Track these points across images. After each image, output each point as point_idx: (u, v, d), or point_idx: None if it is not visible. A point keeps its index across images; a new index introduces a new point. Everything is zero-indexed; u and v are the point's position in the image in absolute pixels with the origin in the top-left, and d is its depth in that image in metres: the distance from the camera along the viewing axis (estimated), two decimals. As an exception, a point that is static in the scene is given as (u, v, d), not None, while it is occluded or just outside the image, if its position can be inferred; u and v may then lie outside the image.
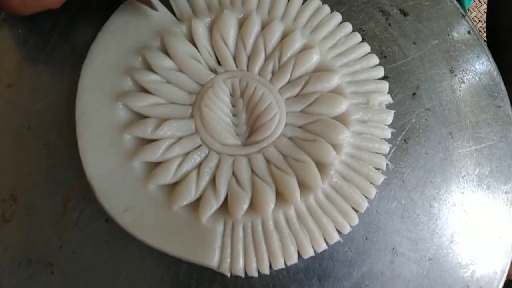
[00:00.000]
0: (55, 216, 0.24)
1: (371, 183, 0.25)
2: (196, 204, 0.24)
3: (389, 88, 0.27)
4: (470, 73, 0.29)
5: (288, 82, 0.26)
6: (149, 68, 0.25)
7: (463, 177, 0.27)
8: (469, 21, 0.30)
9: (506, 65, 0.32)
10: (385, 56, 0.28)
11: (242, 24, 0.26)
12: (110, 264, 0.23)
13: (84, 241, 0.23)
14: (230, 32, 0.26)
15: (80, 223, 0.24)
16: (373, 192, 0.25)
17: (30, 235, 0.23)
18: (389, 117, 0.26)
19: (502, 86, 0.29)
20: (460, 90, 0.28)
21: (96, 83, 0.24)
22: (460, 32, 0.29)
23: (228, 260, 0.23)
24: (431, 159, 0.27)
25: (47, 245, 0.23)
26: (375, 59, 0.27)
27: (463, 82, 0.29)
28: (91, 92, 0.24)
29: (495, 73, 0.29)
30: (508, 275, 0.27)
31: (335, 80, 0.26)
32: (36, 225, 0.23)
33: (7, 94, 0.25)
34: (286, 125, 0.25)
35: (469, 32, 0.29)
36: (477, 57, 0.29)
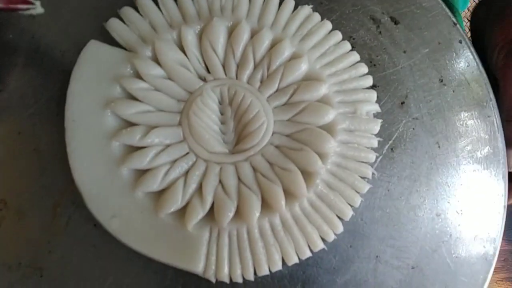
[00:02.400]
0: (45, 221, 0.25)
1: (356, 191, 0.27)
2: (182, 211, 0.25)
3: (378, 96, 0.28)
4: (459, 83, 0.30)
5: (276, 90, 0.27)
6: (138, 76, 0.26)
7: (449, 187, 0.28)
8: (461, 29, 0.31)
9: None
10: (374, 65, 0.29)
11: (231, 32, 0.27)
12: (98, 268, 0.25)
13: (72, 245, 0.25)
14: (220, 40, 0.27)
15: (68, 228, 0.25)
16: (358, 200, 0.27)
17: (20, 239, 0.24)
18: (376, 126, 0.28)
19: (492, 95, 0.30)
20: (449, 100, 0.29)
21: (85, 90, 0.25)
22: (451, 41, 0.30)
23: (213, 266, 0.25)
24: (417, 168, 0.28)
25: (36, 250, 0.24)
26: (363, 68, 0.28)
27: (453, 91, 0.30)
28: (80, 99, 0.25)
29: (485, 82, 0.30)
30: None
31: (323, 90, 0.27)
32: (26, 230, 0.25)
33: (-3, 99, 0.26)
34: (273, 133, 0.26)
35: (460, 41, 0.30)
36: (467, 66, 0.30)
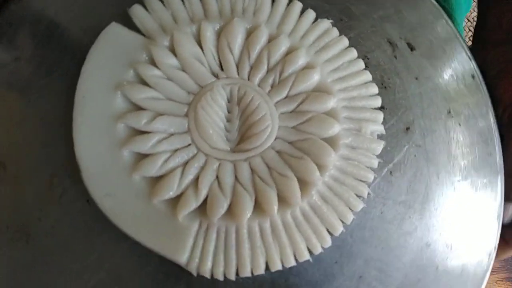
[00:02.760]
0: (40, 189, 0.25)
1: (350, 209, 0.27)
2: (176, 201, 0.25)
3: (384, 118, 0.29)
4: (467, 117, 0.30)
5: (286, 97, 0.28)
6: (153, 63, 0.26)
7: (442, 219, 0.28)
8: (475, 65, 0.31)
9: (490, 60, 0.34)
10: (385, 87, 0.30)
11: (249, 34, 0.28)
12: (84, 243, 0.25)
13: (63, 217, 0.25)
14: (237, 40, 0.27)
15: (62, 200, 0.25)
16: (350, 217, 0.27)
17: (12, 203, 0.25)
18: (379, 147, 0.28)
19: (496, 133, 0.30)
20: (454, 132, 0.30)
21: (99, 69, 0.26)
22: (465, 75, 0.31)
23: (197, 260, 0.25)
24: (413, 195, 0.28)
25: (27, 216, 0.25)
26: (374, 88, 0.29)
27: (459, 124, 0.30)
28: (93, 77, 0.26)
29: (492, 121, 0.30)
30: None
31: (331, 103, 0.27)
32: (20, 195, 0.25)
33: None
34: (276, 138, 0.27)
35: (472, 76, 0.31)
36: (477, 103, 0.30)
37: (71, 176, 0.25)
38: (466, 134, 0.30)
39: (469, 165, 0.29)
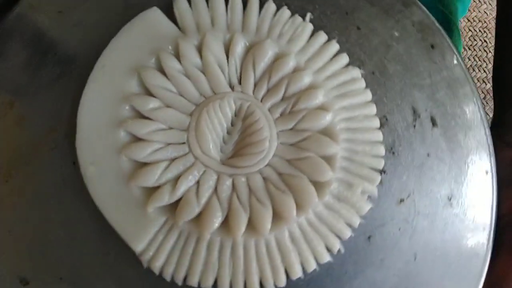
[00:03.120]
0: (35, 137, 0.27)
1: (326, 247, 0.27)
2: (151, 192, 0.26)
3: (381, 181, 0.28)
4: (465, 208, 0.29)
5: (291, 129, 0.28)
6: (177, 57, 0.27)
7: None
8: (493, 162, 0.30)
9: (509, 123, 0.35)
10: (393, 153, 0.29)
11: (277, 59, 0.28)
12: (55, 203, 0.26)
13: (47, 169, 0.26)
14: (264, 60, 0.28)
15: (52, 153, 0.27)
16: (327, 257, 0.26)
17: (6, 142, 0.26)
18: (366, 208, 0.27)
19: (493, 224, 0.29)
20: (448, 221, 0.29)
21: (125, 46, 0.27)
22: (478, 169, 0.30)
23: (151, 253, 0.25)
24: (384, 270, 0.27)
25: (14, 155, 0.26)
26: (381, 150, 0.28)
27: (456, 215, 0.29)
28: (117, 53, 0.27)
29: (492, 211, 0.29)
30: None
31: (333, 149, 0.27)
32: (16, 136, 0.27)
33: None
34: (267, 165, 0.27)
35: (486, 172, 0.30)
36: (479, 195, 0.29)
37: (67, 136, 0.27)
38: (459, 225, 0.29)
39: (452, 260, 0.28)
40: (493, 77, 0.41)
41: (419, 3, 0.32)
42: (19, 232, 0.26)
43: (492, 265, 0.29)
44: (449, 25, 0.45)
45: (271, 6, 0.29)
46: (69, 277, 0.25)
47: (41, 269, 0.25)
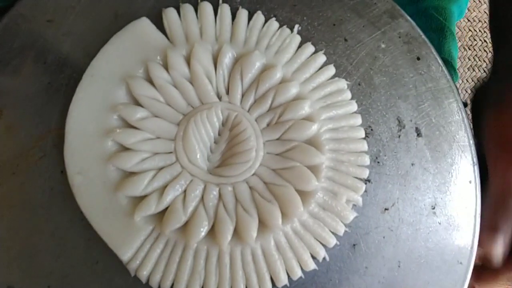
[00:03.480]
0: (24, 146, 0.27)
1: (311, 254, 0.27)
2: (138, 201, 0.26)
3: (366, 191, 0.29)
4: (448, 220, 0.29)
5: (277, 139, 0.28)
6: (166, 67, 0.28)
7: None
8: (477, 172, 0.30)
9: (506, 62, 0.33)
10: (378, 162, 0.30)
11: (264, 70, 0.29)
12: (43, 209, 0.26)
13: (34, 177, 0.27)
14: (252, 71, 0.28)
15: (39, 162, 0.27)
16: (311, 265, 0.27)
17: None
18: (350, 216, 0.28)
19: (477, 234, 0.30)
20: (431, 229, 0.29)
21: (116, 55, 0.28)
22: (462, 178, 0.30)
23: (138, 262, 0.26)
24: (368, 276, 0.28)
25: (1, 164, 0.27)
26: (366, 158, 0.29)
27: (439, 223, 0.29)
28: (108, 59, 0.28)
29: (474, 228, 0.30)
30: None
31: (318, 159, 0.27)
32: (5, 144, 0.27)
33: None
34: (253, 174, 0.27)
35: (470, 182, 0.30)
36: (465, 207, 0.30)
37: (56, 146, 0.27)
38: (443, 235, 0.29)
39: (434, 272, 0.29)
40: (490, 23, 0.40)
41: (406, 15, 0.32)
42: (8, 241, 0.26)
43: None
44: (443, 31, 0.46)
45: (259, 18, 0.30)
46: (57, 285, 0.26)
47: (30, 278, 0.26)
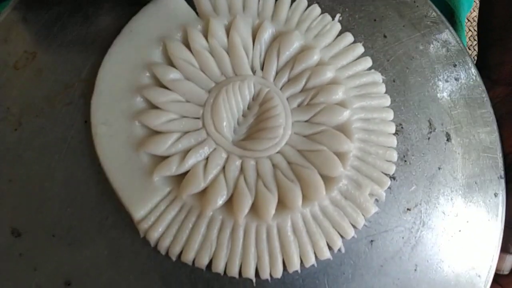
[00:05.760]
0: (51, 91, 0.27)
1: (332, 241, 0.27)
2: (160, 160, 0.26)
3: (390, 188, 0.28)
4: (472, 230, 0.29)
5: (307, 121, 0.28)
6: (205, 35, 0.28)
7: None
8: (502, 184, 0.30)
9: (494, 63, 0.37)
10: (405, 161, 0.29)
11: (302, 50, 0.29)
12: (61, 156, 0.26)
13: (59, 123, 0.27)
14: (289, 50, 0.29)
15: (64, 109, 0.27)
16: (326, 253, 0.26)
17: (23, 91, 0.27)
18: (372, 210, 0.27)
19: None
20: (452, 240, 0.29)
21: (147, 23, 0.28)
22: (488, 190, 0.30)
23: (150, 222, 0.25)
24: (383, 275, 0.27)
25: (27, 105, 0.27)
26: (394, 154, 0.29)
27: (462, 233, 0.29)
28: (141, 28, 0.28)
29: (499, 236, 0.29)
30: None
31: (346, 146, 0.27)
32: (34, 87, 0.27)
33: None
34: (278, 152, 0.27)
35: (495, 195, 0.30)
36: (489, 219, 0.29)
37: (83, 93, 0.27)
38: (463, 245, 0.29)
39: (457, 273, 0.28)
40: (478, 22, 0.43)
41: (447, 23, 0.33)
42: (19, 183, 0.26)
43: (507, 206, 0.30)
44: (452, 17, 0.47)
45: (303, 1, 0.30)
46: (62, 235, 0.25)
47: (35, 224, 0.25)
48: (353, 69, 0.29)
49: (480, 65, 0.39)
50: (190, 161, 0.26)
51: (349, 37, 0.30)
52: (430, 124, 0.30)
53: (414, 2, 0.33)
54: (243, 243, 0.25)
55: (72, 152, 0.26)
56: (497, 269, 0.30)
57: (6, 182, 0.26)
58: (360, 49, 0.30)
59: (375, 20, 0.32)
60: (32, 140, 0.26)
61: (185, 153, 0.26)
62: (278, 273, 0.26)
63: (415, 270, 0.28)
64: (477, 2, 0.44)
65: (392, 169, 0.29)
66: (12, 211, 0.25)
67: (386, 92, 0.30)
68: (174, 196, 0.26)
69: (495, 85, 0.35)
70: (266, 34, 0.29)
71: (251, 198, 0.26)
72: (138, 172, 0.26)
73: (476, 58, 0.42)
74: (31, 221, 0.25)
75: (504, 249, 0.31)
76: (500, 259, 0.30)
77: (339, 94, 0.28)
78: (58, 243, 0.25)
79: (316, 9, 0.30)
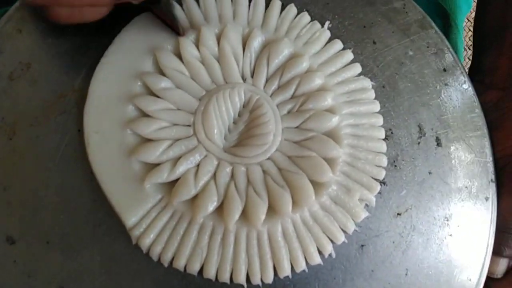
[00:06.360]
0: (45, 101, 0.28)
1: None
2: (151, 168, 0.26)
3: (380, 192, 0.29)
4: (462, 234, 0.29)
5: (296, 127, 0.28)
6: (197, 44, 0.29)
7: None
8: (493, 188, 0.30)
9: (488, 67, 0.37)
10: (395, 166, 0.30)
11: (291, 58, 0.29)
12: (54, 164, 0.27)
13: (52, 132, 0.27)
14: (279, 57, 0.29)
15: (58, 118, 0.28)
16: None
17: (17, 98, 0.28)
18: (361, 215, 0.28)
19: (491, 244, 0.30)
20: (443, 244, 0.29)
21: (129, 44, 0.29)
22: (479, 194, 0.30)
23: (142, 229, 0.26)
24: (372, 282, 0.27)
25: (21, 115, 0.27)
26: (383, 159, 0.29)
27: (452, 236, 0.29)
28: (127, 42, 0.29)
29: (488, 246, 0.29)
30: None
31: (336, 151, 0.28)
32: (29, 96, 0.28)
33: None
34: (268, 158, 0.28)
35: (486, 199, 0.30)
36: (480, 224, 0.30)
37: (77, 103, 0.28)
38: (454, 249, 0.29)
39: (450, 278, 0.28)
40: (474, 26, 0.44)
41: (436, 27, 0.33)
42: (14, 191, 0.26)
43: (498, 210, 0.31)
44: (447, 20, 0.47)
45: (292, 9, 0.31)
46: (56, 242, 0.26)
47: (30, 231, 0.26)
48: (342, 76, 0.30)
49: (474, 69, 0.39)
50: (181, 168, 0.26)
51: (338, 44, 0.31)
52: (420, 129, 0.31)
53: (404, 8, 0.33)
54: (233, 249, 0.26)
55: (65, 160, 0.27)
56: (490, 273, 0.31)
57: (0, 190, 0.26)
58: (349, 55, 0.31)
59: (364, 26, 0.32)
60: (26, 148, 0.27)
61: (176, 160, 0.27)
62: (269, 278, 0.26)
63: (406, 274, 0.28)
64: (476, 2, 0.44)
65: (382, 174, 0.29)
66: (7, 219, 0.26)
67: (375, 98, 0.30)
68: (165, 203, 0.26)
69: (488, 89, 0.36)
70: (256, 42, 0.29)
71: (242, 204, 0.26)
72: (130, 179, 0.26)
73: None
74: (25, 228, 0.26)
75: (497, 252, 0.31)
76: (493, 263, 0.31)
77: (328, 101, 0.28)
78: (52, 250, 0.26)
79: (305, 17, 0.31)
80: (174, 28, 0.29)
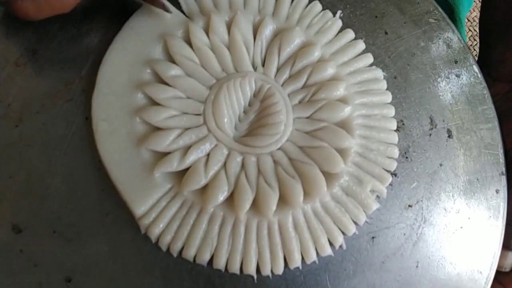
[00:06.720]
0: (52, 88, 0.27)
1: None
2: (161, 157, 0.26)
3: (391, 184, 0.28)
4: (474, 226, 0.29)
5: (308, 117, 0.28)
6: (207, 31, 0.28)
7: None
8: (504, 181, 0.30)
9: (496, 61, 0.37)
10: (407, 157, 0.29)
11: (302, 47, 0.29)
12: (62, 153, 0.26)
13: (58, 118, 0.27)
14: (290, 46, 0.29)
15: (65, 105, 0.27)
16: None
17: (23, 85, 0.27)
18: (373, 206, 0.27)
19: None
20: (454, 237, 0.29)
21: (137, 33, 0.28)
22: (490, 186, 0.30)
23: (151, 218, 0.25)
24: (386, 274, 0.27)
25: (28, 102, 0.27)
26: (395, 150, 0.29)
27: (464, 230, 0.29)
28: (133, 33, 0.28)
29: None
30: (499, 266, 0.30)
31: (347, 142, 0.27)
32: (35, 83, 0.27)
33: None
34: (279, 148, 0.27)
35: (497, 191, 0.30)
36: (489, 217, 0.29)
37: (84, 91, 0.27)
38: (465, 240, 0.29)
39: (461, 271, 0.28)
40: (480, 21, 0.44)
41: (448, 19, 0.33)
42: (21, 180, 0.26)
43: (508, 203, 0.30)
44: (452, 15, 0.47)
45: (303, -2, 0.31)
46: (63, 232, 0.25)
47: (36, 220, 0.25)
48: (354, 66, 0.30)
49: (481, 63, 0.39)
50: (191, 158, 0.26)
51: (350, 34, 0.30)
52: (432, 120, 0.31)
53: (415, -2, 0.33)
54: (244, 239, 0.26)
55: (73, 148, 0.26)
56: (498, 266, 0.31)
57: (6, 179, 0.26)
58: (361, 45, 0.30)
59: (376, 16, 0.32)
60: (33, 136, 0.26)
61: (186, 149, 0.26)
62: (279, 269, 0.26)
63: (417, 266, 0.28)
64: (477, 2, 0.44)
65: (393, 166, 0.29)
66: (13, 208, 0.25)
67: (387, 89, 0.30)
68: (175, 192, 0.26)
69: (495, 82, 0.36)
70: (267, 30, 0.29)
71: (252, 194, 0.26)
72: (139, 168, 0.26)
73: (474, 58, 0.42)
74: (31, 217, 0.25)
75: (506, 246, 0.31)
76: (502, 256, 0.31)
77: (340, 91, 0.28)
78: (58, 239, 0.25)
79: (317, 5, 0.31)
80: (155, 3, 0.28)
